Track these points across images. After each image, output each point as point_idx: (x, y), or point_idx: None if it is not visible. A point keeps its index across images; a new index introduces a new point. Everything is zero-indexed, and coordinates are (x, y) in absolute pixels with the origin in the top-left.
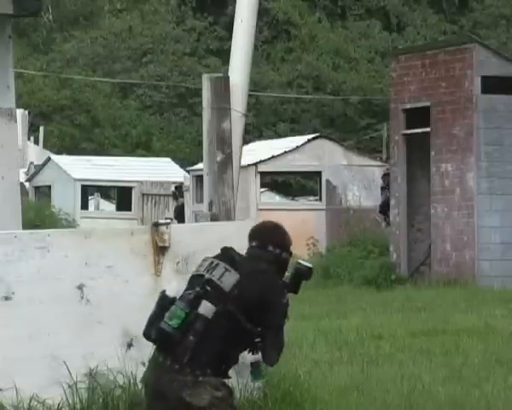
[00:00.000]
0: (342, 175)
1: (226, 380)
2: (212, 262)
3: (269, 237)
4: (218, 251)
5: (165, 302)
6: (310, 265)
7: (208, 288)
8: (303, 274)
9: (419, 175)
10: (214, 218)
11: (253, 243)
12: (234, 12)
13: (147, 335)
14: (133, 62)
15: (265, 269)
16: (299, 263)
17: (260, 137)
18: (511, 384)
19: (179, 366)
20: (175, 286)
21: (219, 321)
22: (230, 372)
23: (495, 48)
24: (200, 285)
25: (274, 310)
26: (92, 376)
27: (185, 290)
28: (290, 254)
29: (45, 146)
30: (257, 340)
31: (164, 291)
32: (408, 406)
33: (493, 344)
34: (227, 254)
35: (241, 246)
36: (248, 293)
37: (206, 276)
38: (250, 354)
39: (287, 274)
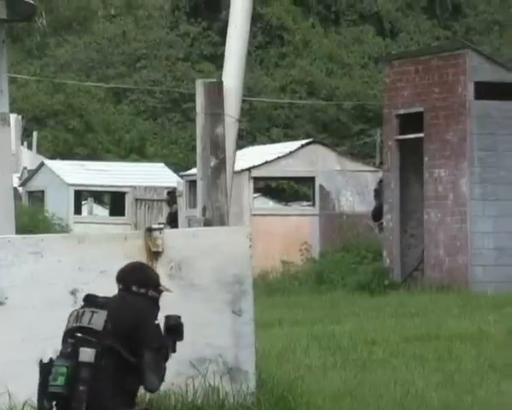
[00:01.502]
0: (336, 180)
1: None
2: (77, 313)
3: (132, 277)
4: (208, 257)
5: (45, 369)
6: (178, 315)
7: (80, 335)
8: (173, 328)
9: (412, 181)
10: (207, 223)
11: (120, 286)
12: (228, 17)
13: (40, 407)
14: (127, 67)
15: (132, 300)
16: (168, 316)
17: (254, 142)
18: (504, 390)
19: None
20: (51, 350)
21: (103, 362)
22: (226, 378)
23: (488, 54)
24: (71, 336)
25: (146, 334)
26: None
27: (61, 348)
28: (158, 291)
29: (39, 151)
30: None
31: (41, 360)
32: None
33: (486, 350)
34: (90, 300)
35: (235, 251)
36: (120, 323)
37: (75, 325)
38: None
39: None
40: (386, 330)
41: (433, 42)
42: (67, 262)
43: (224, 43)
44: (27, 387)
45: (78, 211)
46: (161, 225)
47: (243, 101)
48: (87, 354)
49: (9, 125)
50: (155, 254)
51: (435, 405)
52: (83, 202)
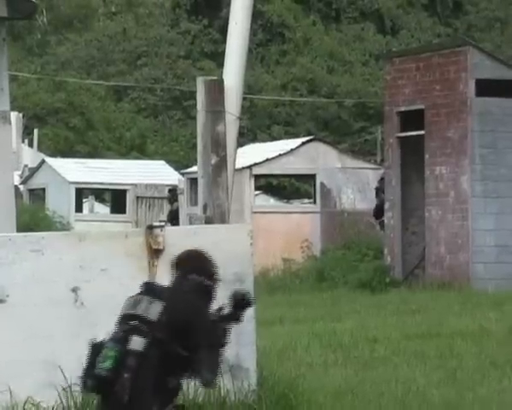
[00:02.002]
0: (336, 178)
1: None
2: (135, 299)
3: (189, 265)
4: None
5: (95, 350)
6: (246, 290)
7: (134, 322)
8: (239, 300)
9: (413, 178)
10: (208, 221)
11: (175, 273)
12: (228, 15)
13: (84, 387)
14: (127, 65)
15: (188, 292)
16: (236, 290)
17: (255, 139)
18: (505, 387)
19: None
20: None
21: (152, 352)
22: (227, 376)
23: (489, 51)
24: (125, 322)
25: (202, 330)
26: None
27: (114, 331)
28: (214, 280)
29: (39, 149)
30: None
31: (92, 340)
32: (402, 408)
33: (487, 347)
34: (148, 288)
35: (236, 248)
36: (175, 317)
37: (130, 312)
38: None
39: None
40: (387, 328)
41: (434, 39)
42: (68, 260)
43: (224, 41)
44: (28, 385)
45: (79, 209)
46: (162, 223)
47: (244, 98)
48: (137, 343)
49: (10, 123)
50: (156, 252)
51: (436, 402)
52: (84, 200)
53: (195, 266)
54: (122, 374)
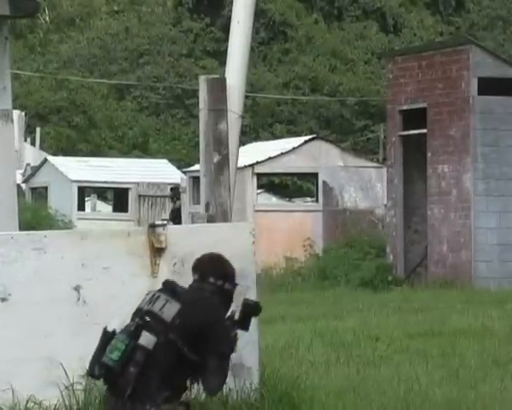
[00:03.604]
0: (339, 176)
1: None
2: (153, 295)
3: (210, 268)
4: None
5: (106, 338)
6: (257, 300)
7: (148, 319)
8: (251, 310)
9: (415, 176)
10: (211, 219)
11: (195, 276)
12: (230, 13)
13: (90, 372)
14: (130, 64)
15: (207, 298)
16: (247, 299)
17: (257, 138)
18: (507, 386)
19: (128, 401)
20: (118, 320)
21: (160, 351)
22: (229, 374)
23: (491, 49)
24: (140, 317)
25: (216, 337)
26: (89, 377)
27: (127, 324)
28: (234, 284)
29: (42, 147)
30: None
31: (105, 328)
32: (405, 407)
33: (490, 345)
34: (169, 287)
35: (238, 247)
36: (190, 321)
37: (146, 307)
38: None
39: (235, 309)
40: (389, 327)
41: (436, 37)
42: (70, 258)
43: (226, 40)
44: (30, 383)
45: (81, 207)
46: (164, 222)
47: (246, 97)
48: (147, 340)
49: (12, 121)
50: (158, 251)
51: (439, 401)
52: (86, 199)
53: (215, 270)
54: (128, 367)
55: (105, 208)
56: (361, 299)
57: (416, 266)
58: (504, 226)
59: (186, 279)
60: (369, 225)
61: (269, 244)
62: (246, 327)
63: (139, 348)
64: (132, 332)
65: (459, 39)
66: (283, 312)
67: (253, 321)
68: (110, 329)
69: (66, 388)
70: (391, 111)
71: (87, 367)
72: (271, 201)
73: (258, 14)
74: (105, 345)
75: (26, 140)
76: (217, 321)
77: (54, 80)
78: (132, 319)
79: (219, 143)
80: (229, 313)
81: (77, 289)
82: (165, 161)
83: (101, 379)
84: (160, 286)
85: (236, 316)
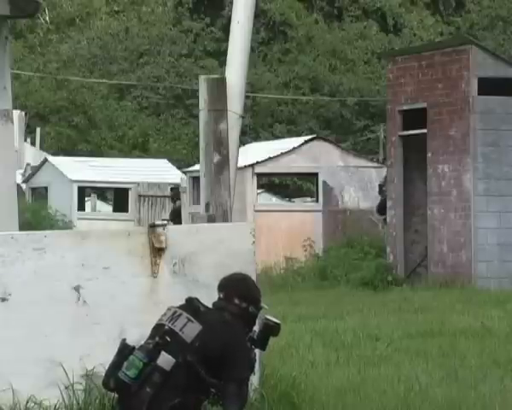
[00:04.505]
0: (339, 176)
1: None
2: (175, 312)
3: (236, 289)
4: (211, 254)
5: (124, 351)
6: (278, 321)
7: (168, 338)
8: (271, 330)
9: (416, 176)
10: (211, 219)
11: (220, 295)
12: (230, 13)
13: (106, 384)
14: (130, 63)
15: (229, 321)
16: (267, 319)
17: (257, 138)
18: (508, 386)
19: None
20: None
21: (178, 373)
22: None
23: (492, 49)
24: (160, 335)
25: (236, 363)
26: (89, 377)
27: (147, 339)
28: (259, 308)
29: (42, 147)
30: (216, 392)
31: (124, 340)
32: (405, 407)
33: (490, 345)
34: (191, 305)
35: (238, 247)
36: (210, 345)
37: (168, 326)
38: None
39: (255, 329)
40: (389, 326)
41: (436, 37)
42: (71, 258)
43: (227, 40)
44: (31, 383)
45: (81, 207)
46: (165, 222)
47: (246, 97)
48: (166, 361)
49: (12, 121)
50: (159, 251)
51: (439, 401)
52: (86, 199)
53: (242, 292)
54: (145, 387)
55: (105, 208)
56: (361, 299)
57: (416, 266)
58: (504, 226)
59: (186, 279)
60: (369, 225)
61: (269, 244)
62: (263, 347)
63: (157, 369)
64: (151, 351)
65: (459, 39)
66: (283, 311)
67: None
68: (129, 342)
69: (67, 388)
70: (391, 111)
71: (87, 368)
72: (271, 201)
73: (259, 14)
74: (122, 360)
75: (26, 140)
76: (237, 346)
77: (54, 80)
78: (152, 336)
79: (219, 143)
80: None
81: (77, 289)
82: (165, 160)
83: (115, 392)
84: (158, 287)
85: (255, 335)
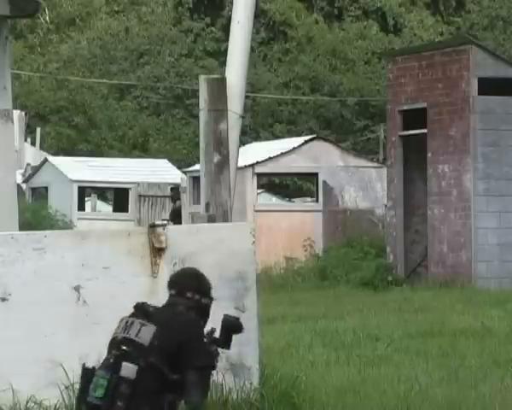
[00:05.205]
0: (339, 176)
1: None
2: (127, 321)
3: (187, 283)
4: (211, 253)
5: (87, 375)
6: (237, 316)
7: (126, 348)
8: (232, 326)
9: (416, 176)
10: (211, 219)
11: (172, 292)
12: (230, 13)
13: None
14: (130, 63)
15: (182, 312)
16: (227, 315)
17: (257, 138)
18: (508, 385)
19: None
20: None
21: (144, 378)
22: (230, 374)
23: (492, 49)
24: (116, 348)
25: (194, 351)
26: None
27: (105, 357)
28: (210, 299)
29: (42, 147)
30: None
31: (83, 365)
32: (405, 407)
33: (490, 345)
34: (141, 310)
35: (238, 247)
36: (168, 340)
37: (121, 336)
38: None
39: (216, 330)
40: (389, 326)
41: (436, 37)
42: (71, 258)
43: (227, 39)
44: (31, 383)
45: (81, 207)
46: (165, 222)
47: (246, 97)
48: (129, 370)
49: (13, 121)
50: (159, 251)
51: (439, 401)
52: (86, 199)
53: (192, 285)
54: (115, 402)
55: (105, 208)
56: (361, 299)
57: (417, 266)
58: (504, 226)
59: None
60: (369, 225)
61: (269, 244)
62: (227, 345)
63: (122, 381)
64: (112, 365)
65: (459, 39)
66: (283, 311)
67: (253, 321)
68: (88, 365)
69: (67, 388)
70: (391, 111)
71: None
72: (271, 201)
73: (259, 14)
74: (87, 384)
75: (26, 140)
76: (193, 336)
77: (54, 80)
78: (109, 352)
79: (219, 143)
80: (208, 330)
81: (77, 289)
82: (165, 160)
83: None
84: (158, 287)
85: (216, 334)
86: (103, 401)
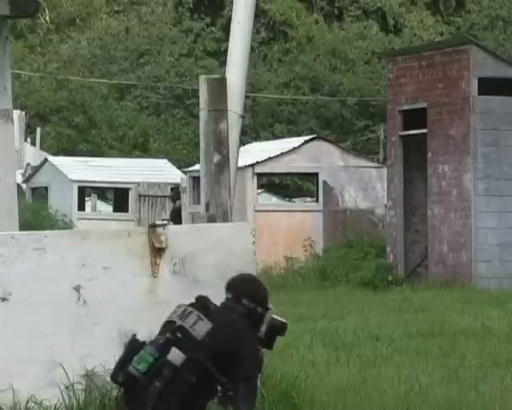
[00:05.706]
0: (339, 176)
1: None
2: (185, 310)
3: (244, 290)
4: (211, 253)
5: (134, 346)
6: (284, 320)
7: (179, 335)
8: (277, 329)
9: (416, 176)
10: (211, 219)
11: (229, 295)
12: (231, 13)
13: (114, 378)
14: (130, 63)
15: (238, 320)
16: (274, 318)
17: (257, 138)
18: (508, 385)
19: None
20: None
21: (187, 369)
22: None
23: (492, 49)
24: (171, 332)
25: (245, 361)
26: (89, 377)
27: (157, 335)
28: (266, 308)
29: (42, 147)
30: (223, 391)
31: (134, 335)
32: (405, 407)
33: (490, 345)
34: (201, 303)
35: (238, 247)
36: (219, 342)
37: (178, 323)
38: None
39: (262, 329)
40: (389, 326)
41: (436, 37)
42: (71, 258)
43: (227, 39)
44: (31, 383)
45: (81, 207)
46: (165, 222)
47: (246, 97)
48: (176, 356)
49: (13, 121)
50: (159, 251)
51: (439, 401)
52: (86, 199)
53: (249, 292)
54: (154, 382)
55: (105, 208)
56: (361, 299)
57: (417, 266)
58: (504, 226)
59: (186, 279)
60: (369, 225)
61: (269, 244)
62: (271, 346)
63: (167, 364)
64: (162, 346)
65: (459, 39)
66: (283, 311)
67: None
68: (139, 338)
69: (67, 388)
70: (391, 111)
71: (87, 368)
72: (271, 201)
73: (259, 13)
74: (132, 354)
75: (26, 140)
76: (247, 345)
77: (54, 80)
78: (162, 333)
79: (219, 142)
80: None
81: (77, 289)
82: (165, 160)
83: (123, 386)
84: (158, 287)
85: (262, 335)
86: (143, 376)
